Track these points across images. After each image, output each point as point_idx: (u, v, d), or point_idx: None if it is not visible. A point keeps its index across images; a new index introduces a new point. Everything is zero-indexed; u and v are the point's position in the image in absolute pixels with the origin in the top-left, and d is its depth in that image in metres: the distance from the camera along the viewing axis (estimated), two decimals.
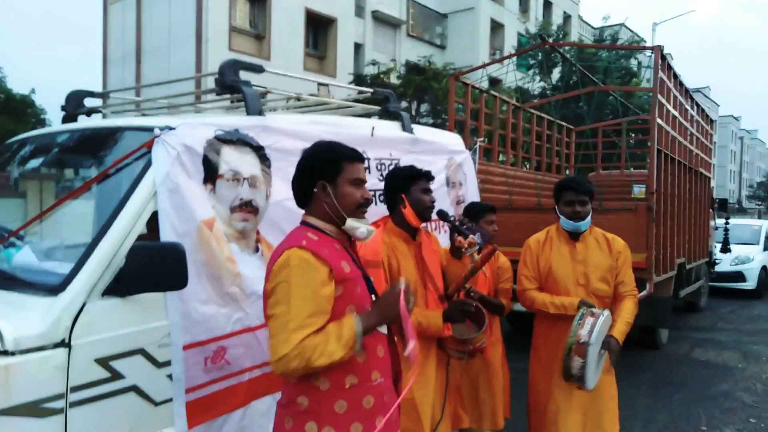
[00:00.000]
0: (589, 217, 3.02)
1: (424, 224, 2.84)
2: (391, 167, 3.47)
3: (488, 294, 3.22)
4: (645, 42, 26.63)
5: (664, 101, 6.11)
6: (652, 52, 6.22)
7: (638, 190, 7.95)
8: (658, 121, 5.85)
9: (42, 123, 17.71)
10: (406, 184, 2.69)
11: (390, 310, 1.75)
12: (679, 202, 6.85)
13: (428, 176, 2.78)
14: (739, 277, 10.78)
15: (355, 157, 1.88)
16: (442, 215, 2.86)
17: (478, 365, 3.25)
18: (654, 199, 5.58)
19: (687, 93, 7.57)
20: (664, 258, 6.02)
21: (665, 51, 6.02)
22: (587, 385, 2.70)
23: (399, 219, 2.69)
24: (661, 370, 6.03)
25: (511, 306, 3.38)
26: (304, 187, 1.85)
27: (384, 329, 1.89)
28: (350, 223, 1.82)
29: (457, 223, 2.81)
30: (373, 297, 1.88)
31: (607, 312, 2.77)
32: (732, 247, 10.59)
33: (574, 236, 3.06)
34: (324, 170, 1.82)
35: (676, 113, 6.81)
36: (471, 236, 2.72)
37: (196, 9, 18.57)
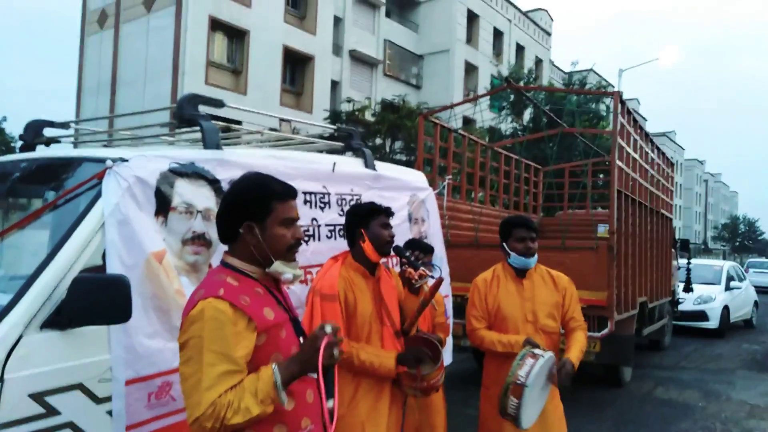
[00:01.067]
0: (536, 254, 3.11)
1: (384, 260, 2.86)
2: (352, 203, 3.51)
3: (427, 330, 3.23)
4: (612, 86, 27.65)
5: (624, 144, 6.33)
6: (611, 97, 6.47)
7: (603, 229, 8.11)
8: (618, 163, 6.05)
9: (12, 151, 17.45)
10: (366, 220, 2.72)
11: (311, 360, 1.61)
12: (640, 242, 7.01)
13: (387, 212, 2.80)
14: (702, 316, 10.98)
15: (287, 194, 1.78)
16: (397, 251, 2.89)
17: (420, 403, 3.23)
18: (615, 238, 5.71)
19: (647, 137, 7.85)
20: (626, 296, 6.13)
21: (631, 96, 6.42)
22: (522, 424, 2.70)
23: (358, 254, 2.71)
24: (623, 407, 6.05)
25: (445, 341, 3.40)
26: (229, 224, 1.74)
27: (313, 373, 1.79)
28: (276, 267, 1.73)
29: (408, 255, 2.83)
30: (301, 339, 1.80)
31: (549, 354, 2.79)
32: (694, 286, 10.83)
33: (521, 273, 3.13)
34: (251, 210, 1.71)
35: (636, 156, 7.04)
36: (422, 268, 2.75)
37: (173, 42, 18.74)
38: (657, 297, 7.95)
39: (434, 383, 2.74)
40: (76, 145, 3.66)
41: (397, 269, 3.73)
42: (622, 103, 6.22)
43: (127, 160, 2.35)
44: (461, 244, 6.42)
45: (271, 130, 3.75)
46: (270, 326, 1.68)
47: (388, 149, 19.07)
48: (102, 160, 2.35)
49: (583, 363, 5.89)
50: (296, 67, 22.65)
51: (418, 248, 3.41)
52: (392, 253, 2.87)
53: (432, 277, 2.81)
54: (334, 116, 19.82)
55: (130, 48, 20.44)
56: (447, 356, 4.13)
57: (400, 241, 3.84)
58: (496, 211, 8.48)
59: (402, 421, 2.84)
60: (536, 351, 2.77)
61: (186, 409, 1.58)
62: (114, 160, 2.32)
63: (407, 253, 2.90)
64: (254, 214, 1.71)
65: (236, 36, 20.26)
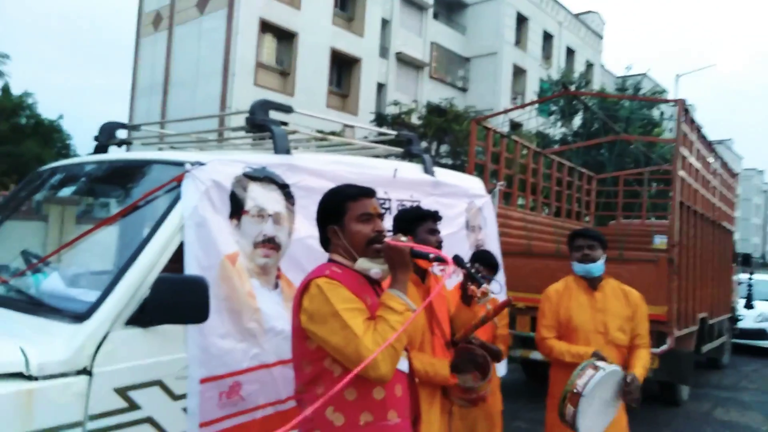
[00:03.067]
0: (601, 262, 3.13)
1: (440, 268, 2.83)
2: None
3: (488, 340, 3.20)
4: (667, 92, 26.80)
5: (686, 153, 6.11)
6: (674, 104, 6.26)
7: (659, 241, 7.87)
8: (681, 173, 5.84)
9: (68, 148, 18.22)
10: (413, 226, 2.69)
11: (399, 258, 1.80)
12: (701, 255, 6.75)
13: (435, 217, 2.79)
14: (763, 334, 10.48)
15: (360, 194, 1.92)
16: (458, 261, 2.86)
17: (477, 412, 3.23)
18: (676, 251, 5.51)
19: (710, 146, 7.56)
20: (686, 312, 5.91)
21: (688, 103, 6.06)
22: (578, 419, 2.68)
23: None
24: (681, 428, 5.83)
25: (506, 352, 3.39)
26: (322, 235, 1.96)
27: (405, 367, 1.89)
28: (361, 263, 1.87)
29: (472, 271, 2.80)
30: None
31: (613, 368, 2.76)
32: (756, 303, 10.34)
33: (593, 285, 3.15)
34: (330, 215, 1.91)
35: (699, 166, 6.79)
36: (485, 286, 2.71)
37: (224, 44, 19.21)
38: (717, 313, 7.64)
39: (483, 394, 2.73)
40: (130, 147, 3.77)
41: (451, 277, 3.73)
42: (686, 111, 6.01)
43: (204, 164, 2.41)
44: (512, 252, 6.31)
45: (331, 133, 3.79)
46: (369, 311, 1.79)
47: (434, 153, 18.99)
48: (180, 164, 2.42)
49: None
50: (343, 69, 22.87)
51: (485, 263, 3.37)
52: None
53: (493, 294, 2.75)
54: (380, 119, 19.88)
55: (182, 49, 21.08)
56: (502, 368, 4.07)
57: (455, 249, 3.81)
58: (547, 219, 8.32)
59: (449, 430, 2.84)
60: (599, 363, 2.75)
61: (359, 365, 1.64)
62: (192, 164, 2.39)
63: (468, 265, 2.87)
64: (333, 217, 1.91)
65: (285, 38, 20.61)
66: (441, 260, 1.82)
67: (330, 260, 1.93)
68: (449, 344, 2.73)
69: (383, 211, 3.51)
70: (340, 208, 1.89)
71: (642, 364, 2.97)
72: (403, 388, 1.87)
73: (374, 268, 1.86)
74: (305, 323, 1.77)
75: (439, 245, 2.73)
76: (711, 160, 7.58)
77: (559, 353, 3.05)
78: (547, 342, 3.12)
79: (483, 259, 3.42)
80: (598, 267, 3.13)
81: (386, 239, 1.84)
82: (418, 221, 2.73)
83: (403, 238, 1.85)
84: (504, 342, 3.35)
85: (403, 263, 1.81)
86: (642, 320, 3.13)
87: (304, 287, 1.79)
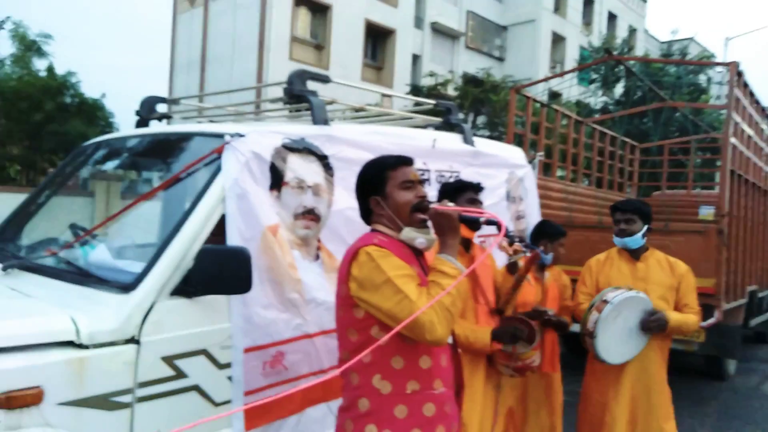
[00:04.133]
0: (640, 235, 3.10)
1: (480, 239, 2.79)
2: (451, 179, 3.45)
3: (556, 312, 3.17)
4: (715, 57, 25.55)
5: (738, 119, 5.82)
6: (726, 68, 5.94)
7: (705, 212, 7.58)
8: (732, 140, 5.57)
9: (110, 126, 18.65)
10: (454, 197, 2.68)
11: (448, 223, 1.79)
12: (751, 226, 6.48)
13: (476, 187, 2.78)
14: None
15: (398, 162, 1.90)
16: (466, 220, 2.82)
17: (541, 383, 3.24)
18: (725, 221, 5.30)
19: (764, 111, 7.18)
20: (735, 284, 5.70)
21: (740, 67, 5.74)
22: (598, 343, 2.84)
23: None
24: (728, 402, 5.68)
25: (570, 324, 3.34)
26: (363, 207, 1.94)
27: (450, 338, 1.89)
28: (406, 233, 1.84)
29: (511, 235, 2.74)
30: None
31: (643, 294, 2.92)
32: None
33: (635, 255, 3.15)
34: (371, 185, 1.89)
35: (751, 132, 6.46)
36: (516, 244, 2.66)
37: (259, 19, 19.17)
38: (767, 286, 7.36)
39: (529, 363, 2.70)
40: (171, 120, 3.81)
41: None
42: (739, 74, 5.70)
43: (243, 136, 2.41)
44: None
45: (367, 105, 3.74)
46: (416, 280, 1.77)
47: (471, 124, 18.68)
48: (220, 135, 2.42)
49: (685, 354, 5.61)
50: (377, 41, 22.58)
51: (549, 231, 3.31)
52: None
53: (524, 252, 2.69)
54: (416, 90, 19.62)
55: (218, 26, 21.15)
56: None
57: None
58: (589, 191, 8.10)
59: (497, 402, 2.81)
60: (632, 290, 2.93)
61: (416, 330, 1.66)
62: (232, 136, 2.38)
63: (510, 234, 2.82)
64: (375, 187, 1.89)
65: (319, 11, 20.43)
66: (493, 223, 1.77)
67: (373, 231, 1.91)
68: (494, 312, 2.73)
69: (423, 178, 3.49)
70: (381, 177, 1.88)
71: (683, 318, 3.01)
72: (447, 359, 1.87)
73: (419, 237, 1.84)
74: (355, 291, 1.75)
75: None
76: (764, 126, 7.20)
77: None
78: (583, 306, 3.12)
79: (547, 227, 3.37)
80: (635, 240, 3.10)
81: (432, 205, 1.82)
82: (458, 192, 2.72)
83: (450, 204, 1.85)
84: (568, 313, 3.30)
85: (452, 228, 1.80)
86: (689, 290, 3.11)
87: (353, 255, 1.77)
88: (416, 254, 1.89)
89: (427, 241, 1.85)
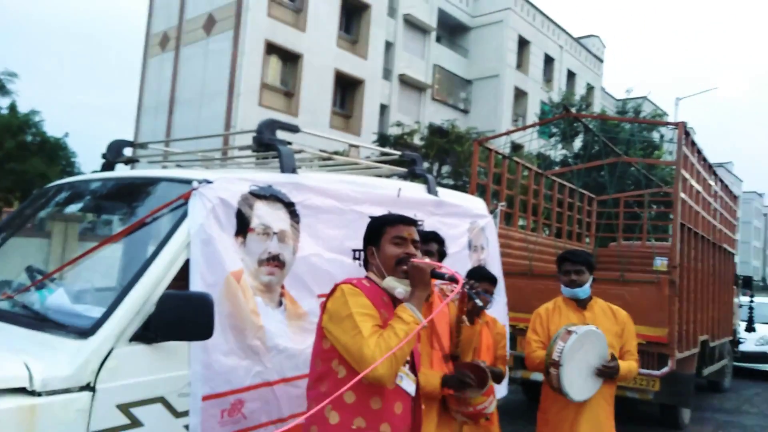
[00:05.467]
0: (587, 286, 3.27)
1: (437, 287, 2.86)
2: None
3: (490, 362, 3.21)
4: (667, 115, 26.98)
5: (687, 176, 6.16)
6: (675, 127, 6.32)
7: (660, 263, 7.87)
8: (682, 195, 5.87)
9: (72, 166, 18.32)
10: None
11: (420, 276, 1.96)
12: (702, 278, 6.76)
13: (434, 238, 2.98)
14: (765, 357, 10.40)
15: (398, 220, 2.11)
16: (434, 274, 2.89)
17: None
18: (677, 272, 5.52)
19: (710, 168, 7.61)
20: (687, 334, 5.90)
21: (688, 125, 6.12)
22: (564, 374, 2.91)
23: None
24: None
25: (506, 373, 3.39)
26: (364, 254, 2.16)
27: (411, 390, 1.99)
28: (388, 281, 2.03)
29: (467, 288, 2.79)
30: (407, 357, 1.99)
31: (587, 328, 3.02)
32: (757, 326, 10.29)
33: (581, 305, 3.30)
34: (371, 236, 2.12)
35: (700, 188, 6.83)
36: (452, 285, 2.74)
37: (230, 65, 19.43)
38: (718, 336, 7.61)
39: (481, 410, 2.73)
40: (135, 165, 3.81)
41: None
42: (687, 133, 6.07)
43: (211, 182, 2.44)
44: (514, 272, 6.32)
45: (334, 153, 3.83)
46: (383, 324, 1.93)
47: (436, 173, 19.06)
48: (188, 181, 2.45)
49: (640, 402, 5.71)
50: (346, 90, 23.09)
51: (481, 277, 3.36)
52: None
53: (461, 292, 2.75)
54: (383, 139, 20.00)
55: (188, 70, 21.32)
56: (503, 389, 4.05)
57: (458, 268, 3.83)
58: (548, 240, 8.33)
59: None
60: (572, 328, 3.04)
61: (361, 364, 1.81)
62: (200, 182, 2.42)
63: (444, 274, 2.88)
64: (373, 238, 2.12)
65: (290, 59, 20.85)
66: (455, 280, 1.95)
67: (366, 277, 2.10)
68: (447, 357, 2.79)
69: (413, 240, 3.50)
70: (380, 230, 2.09)
71: (628, 366, 3.15)
72: (404, 408, 1.95)
73: (399, 287, 2.02)
74: (325, 322, 1.95)
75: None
76: (711, 182, 7.62)
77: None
78: (536, 353, 3.21)
79: (477, 273, 3.42)
80: (584, 291, 3.27)
81: (413, 259, 1.98)
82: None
83: (427, 259, 2.01)
84: (503, 362, 3.34)
85: (423, 282, 1.96)
86: (631, 337, 3.28)
87: (332, 290, 1.98)
88: (395, 303, 2.01)
89: (405, 292, 2.00)
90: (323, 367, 1.95)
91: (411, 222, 2.13)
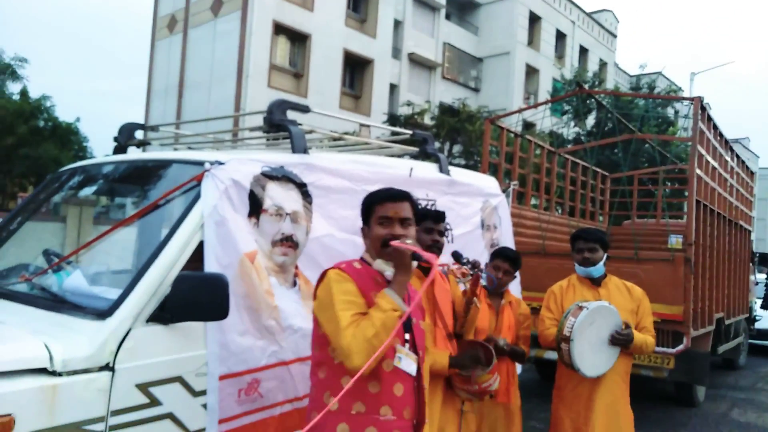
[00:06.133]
0: (602, 264, 3.25)
1: (444, 268, 2.86)
2: (429, 207, 3.52)
3: (511, 341, 3.23)
4: (682, 91, 26.53)
5: (703, 152, 6.05)
6: (690, 102, 6.20)
7: (675, 241, 7.80)
8: (697, 171, 5.79)
9: (84, 150, 18.46)
10: None
11: (400, 259, 1.87)
12: (717, 255, 6.69)
13: (435, 216, 2.86)
14: None
15: (385, 198, 2.00)
16: (456, 256, 2.89)
17: (499, 412, 3.25)
18: (692, 250, 5.47)
19: (727, 144, 7.48)
20: (702, 312, 5.85)
21: (704, 101, 6.00)
22: (575, 348, 2.92)
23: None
24: (698, 429, 5.77)
25: (529, 352, 3.42)
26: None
27: (411, 370, 1.94)
28: (377, 264, 1.98)
29: (464, 261, 2.81)
30: (407, 336, 1.96)
31: (599, 304, 3.02)
32: None
33: (596, 282, 3.29)
34: (363, 215, 2.06)
35: (716, 164, 6.72)
36: (463, 268, 2.74)
37: (239, 47, 19.33)
38: (734, 313, 7.55)
39: (486, 387, 2.74)
40: (146, 147, 3.83)
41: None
42: (702, 108, 5.95)
43: (223, 164, 2.44)
44: (527, 251, 6.28)
45: (345, 133, 3.81)
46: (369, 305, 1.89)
47: (447, 153, 18.95)
48: (200, 163, 2.45)
49: (655, 380, 5.71)
50: (356, 70, 22.92)
51: (505, 257, 3.36)
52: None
53: (470, 274, 2.75)
54: (393, 119, 19.89)
55: (197, 52, 21.24)
56: (517, 367, 4.07)
57: (470, 247, 3.82)
58: (561, 219, 8.27)
59: (459, 427, 2.85)
60: (583, 304, 3.04)
61: (340, 355, 1.81)
62: (212, 163, 2.42)
63: (464, 260, 2.88)
64: (364, 218, 2.06)
65: (298, 40, 20.70)
66: (425, 260, 1.87)
67: (360, 258, 2.04)
68: (451, 336, 2.79)
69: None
70: (369, 209, 2.02)
71: (644, 338, 3.13)
72: (406, 389, 1.92)
73: (388, 270, 1.96)
74: (315, 309, 1.93)
75: (435, 244, 2.79)
76: (728, 158, 7.49)
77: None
78: (549, 331, 3.21)
79: (501, 254, 3.41)
80: (598, 269, 3.25)
81: (392, 242, 1.89)
82: (417, 220, 2.77)
83: (409, 241, 1.89)
84: (526, 343, 3.35)
85: (404, 265, 1.89)
86: (646, 313, 3.26)
87: (321, 276, 1.94)
88: (389, 283, 1.95)
89: (393, 274, 1.94)
90: (320, 353, 1.93)
91: (401, 198, 2.00)
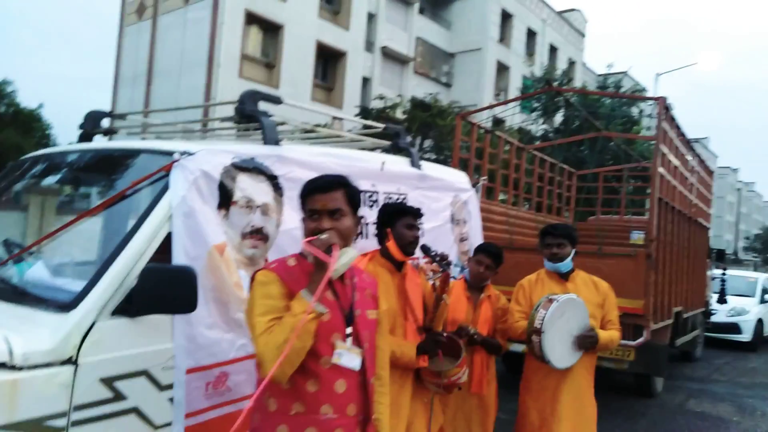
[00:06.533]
0: (569, 259, 3.31)
1: (415, 262, 2.89)
2: (399, 201, 3.54)
3: (488, 334, 3.30)
4: (647, 91, 27.15)
5: (666, 150, 6.23)
6: (655, 102, 6.36)
7: (637, 236, 8.01)
8: (660, 169, 5.95)
9: (47, 138, 17.89)
10: (392, 219, 2.82)
11: (315, 256, 1.76)
12: (677, 251, 6.90)
13: (414, 213, 2.88)
14: (735, 328, 10.76)
15: (313, 189, 1.89)
16: (424, 249, 2.92)
17: (473, 402, 3.31)
18: (653, 246, 5.63)
19: (688, 143, 7.71)
20: (662, 305, 6.04)
21: (667, 101, 6.17)
22: (546, 340, 2.97)
23: (385, 251, 2.81)
24: (656, 418, 5.98)
25: (507, 346, 3.48)
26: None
27: (355, 365, 1.85)
28: (311, 260, 1.81)
29: (435, 257, 2.84)
30: (349, 329, 1.87)
31: (568, 296, 3.08)
32: (728, 298, 10.60)
33: (564, 277, 3.34)
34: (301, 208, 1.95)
35: (678, 163, 6.92)
36: (434, 265, 2.79)
37: (209, 35, 18.97)
38: (691, 307, 7.82)
39: (455, 380, 2.79)
40: (113, 136, 3.74)
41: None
42: (666, 108, 6.12)
43: (193, 154, 2.41)
44: None
45: (315, 125, 3.79)
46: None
47: (418, 147, 19.02)
48: (169, 153, 2.41)
49: (615, 371, 5.88)
50: (328, 62, 22.76)
51: (487, 253, 3.42)
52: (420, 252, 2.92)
53: (441, 271, 2.80)
54: (365, 112, 19.83)
55: (166, 39, 20.76)
56: None
57: (440, 241, 3.86)
58: (528, 214, 8.41)
59: (429, 419, 2.89)
60: (553, 297, 3.10)
61: (258, 364, 1.78)
62: (181, 153, 2.38)
63: (432, 253, 2.92)
64: (302, 211, 1.94)
65: (271, 30, 20.43)
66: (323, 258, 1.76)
67: (299, 254, 1.93)
68: (421, 329, 2.82)
69: (371, 203, 3.54)
70: (302, 203, 1.93)
71: (609, 335, 3.21)
72: (349, 385, 1.83)
73: (309, 257, 1.84)
74: (244, 311, 1.88)
75: (415, 240, 2.83)
76: (689, 157, 7.73)
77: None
78: (519, 323, 3.26)
79: (484, 249, 3.49)
80: (566, 265, 3.31)
81: (303, 241, 1.81)
82: (397, 216, 2.83)
83: (324, 236, 1.78)
84: (503, 336, 3.41)
85: (317, 262, 1.77)
86: (612, 307, 3.33)
87: (251, 278, 1.86)
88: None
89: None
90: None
91: (330, 187, 1.87)
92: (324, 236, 1.78)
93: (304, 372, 1.77)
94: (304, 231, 1.89)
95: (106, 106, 22.08)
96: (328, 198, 1.86)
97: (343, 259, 1.79)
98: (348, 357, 1.84)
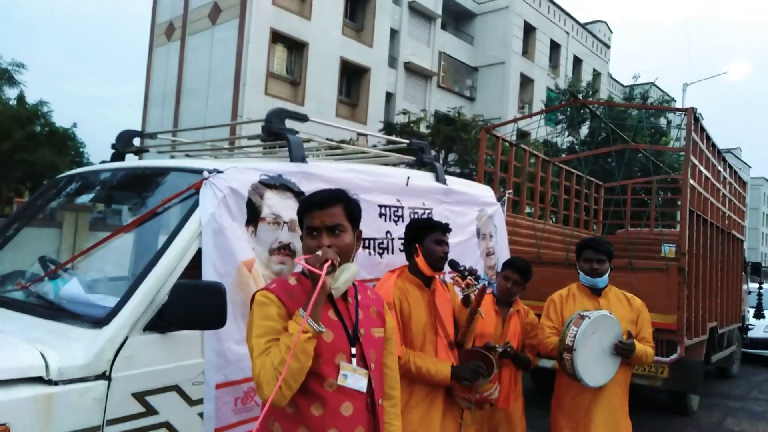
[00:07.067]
0: (607, 275, 3.25)
1: (443, 276, 2.87)
2: (424, 216, 3.54)
3: (517, 348, 3.26)
4: (675, 101, 26.73)
5: (696, 162, 6.11)
6: (683, 113, 6.26)
7: (668, 250, 7.84)
8: (690, 181, 5.83)
9: (81, 156, 18.42)
10: (421, 235, 2.81)
11: (312, 276, 1.71)
12: (710, 264, 6.73)
13: (443, 228, 2.87)
14: None
15: (310, 205, 1.84)
16: (452, 264, 2.90)
17: (499, 417, 3.27)
18: (686, 259, 5.50)
19: (719, 154, 7.55)
20: (696, 321, 5.88)
21: (697, 112, 6.06)
22: (578, 358, 2.91)
23: (413, 267, 2.80)
24: None
25: (536, 361, 3.43)
26: None
27: (361, 386, 1.79)
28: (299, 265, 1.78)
29: (464, 271, 2.82)
30: (353, 350, 1.82)
31: (600, 313, 3.01)
32: (766, 312, 10.26)
33: (596, 292, 3.28)
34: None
35: (708, 174, 6.77)
36: (468, 278, 2.76)
37: (236, 54, 19.38)
38: (727, 323, 7.59)
39: (487, 396, 2.76)
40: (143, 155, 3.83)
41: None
42: (695, 119, 6.01)
43: (222, 172, 2.45)
44: None
45: (340, 141, 3.83)
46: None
47: (442, 161, 19.02)
48: (198, 171, 2.46)
49: (650, 389, 5.72)
50: (352, 78, 23.01)
51: (516, 269, 3.40)
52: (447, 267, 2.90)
53: (476, 287, 2.77)
54: (389, 128, 19.97)
55: (195, 59, 21.28)
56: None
57: (466, 256, 3.84)
58: (556, 228, 8.31)
59: None
60: (585, 313, 3.03)
61: (257, 388, 1.72)
62: (210, 171, 2.43)
63: (461, 267, 2.90)
64: (300, 229, 1.92)
65: (296, 48, 20.78)
66: (313, 274, 1.71)
67: (301, 270, 1.85)
68: (452, 344, 2.79)
69: (396, 218, 3.54)
70: (299, 220, 1.90)
71: (644, 348, 3.13)
72: (356, 407, 1.78)
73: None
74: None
75: (444, 255, 2.81)
76: (720, 168, 7.56)
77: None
78: (551, 339, 3.20)
79: (512, 264, 3.47)
80: (604, 280, 3.26)
81: (297, 258, 1.79)
82: (426, 231, 2.83)
83: (319, 253, 1.73)
84: (532, 351, 3.37)
85: (313, 280, 1.71)
86: (646, 324, 3.25)
87: (251, 300, 1.83)
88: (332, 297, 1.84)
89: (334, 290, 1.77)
90: None
91: (328, 203, 1.81)
92: (319, 252, 1.73)
93: (308, 395, 1.73)
94: (303, 249, 1.85)
95: (136, 125, 22.71)
96: (326, 214, 1.81)
97: (343, 276, 1.75)
98: (353, 378, 1.78)
